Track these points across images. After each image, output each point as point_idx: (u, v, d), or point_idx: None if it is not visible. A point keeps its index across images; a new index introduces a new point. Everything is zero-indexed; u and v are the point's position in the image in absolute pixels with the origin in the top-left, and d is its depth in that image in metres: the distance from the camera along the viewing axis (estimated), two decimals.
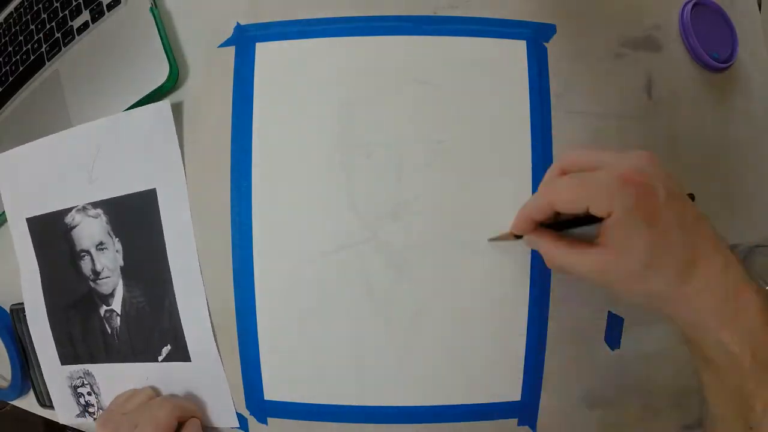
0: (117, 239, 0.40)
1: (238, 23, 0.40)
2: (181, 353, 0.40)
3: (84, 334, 0.43)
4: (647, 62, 0.41)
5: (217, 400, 0.40)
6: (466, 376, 0.38)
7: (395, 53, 0.39)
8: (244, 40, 0.39)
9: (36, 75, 0.46)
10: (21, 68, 0.47)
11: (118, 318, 0.41)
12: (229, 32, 0.40)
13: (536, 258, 0.38)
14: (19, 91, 0.47)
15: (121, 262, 0.41)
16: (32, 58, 0.46)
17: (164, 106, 0.39)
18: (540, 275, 0.38)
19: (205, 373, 0.40)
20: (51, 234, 0.43)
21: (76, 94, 0.43)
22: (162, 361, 0.41)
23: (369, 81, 0.38)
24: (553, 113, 0.38)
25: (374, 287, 0.38)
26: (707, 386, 0.31)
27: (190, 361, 0.40)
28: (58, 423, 0.47)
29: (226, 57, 0.40)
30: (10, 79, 0.47)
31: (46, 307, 0.44)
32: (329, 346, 0.38)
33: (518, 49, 0.39)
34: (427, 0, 0.39)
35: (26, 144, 0.43)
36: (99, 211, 0.41)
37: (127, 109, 0.40)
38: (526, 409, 0.39)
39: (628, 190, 0.28)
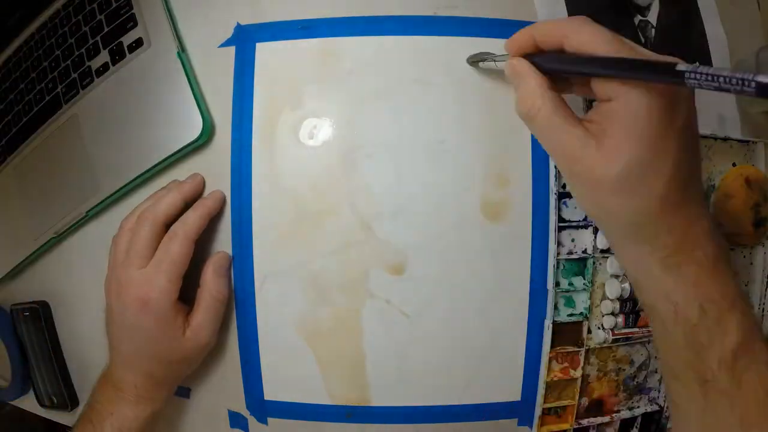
0: None
1: (238, 23, 0.40)
2: None
3: None
4: None
5: None
6: (466, 376, 0.38)
7: (395, 53, 0.39)
8: (244, 40, 0.39)
9: (52, 118, 0.42)
10: (35, 108, 0.43)
11: (653, 30, 0.40)
12: (229, 32, 0.40)
13: (536, 258, 0.38)
14: (35, 134, 0.43)
15: None
16: (47, 99, 0.43)
17: None
18: (540, 275, 0.38)
19: None
20: None
21: (99, 144, 0.41)
22: None
23: (369, 81, 0.38)
24: None
25: (374, 287, 0.38)
26: (655, 338, 0.29)
27: None
28: (58, 423, 0.47)
29: (226, 57, 0.40)
30: (23, 119, 0.44)
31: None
32: (330, 345, 0.38)
33: None
34: (427, 0, 0.39)
35: None
36: None
37: (158, 165, 0.38)
38: (526, 409, 0.39)
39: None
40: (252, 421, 0.40)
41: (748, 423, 0.26)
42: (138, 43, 0.40)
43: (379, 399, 0.38)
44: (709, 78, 0.21)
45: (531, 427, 0.39)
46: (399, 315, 0.38)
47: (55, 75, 0.43)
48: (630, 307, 0.39)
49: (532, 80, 0.28)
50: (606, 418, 0.40)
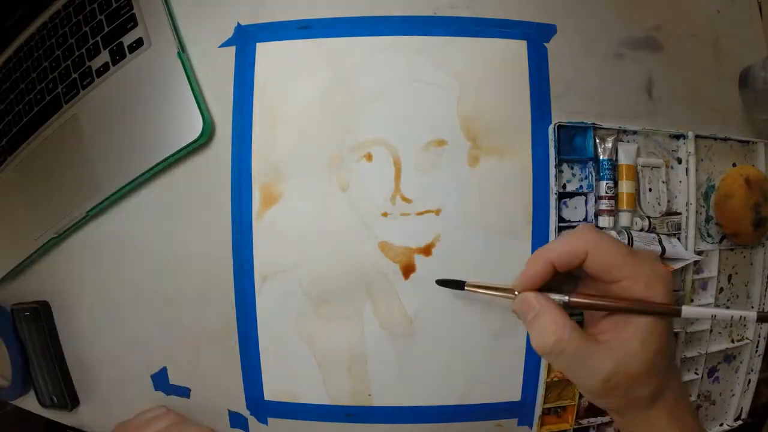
0: None
1: (238, 23, 0.40)
2: None
3: None
4: (647, 62, 0.41)
5: None
6: (466, 376, 0.38)
7: (395, 53, 0.39)
8: (244, 40, 0.39)
9: (52, 118, 0.42)
10: (36, 108, 0.43)
11: None
12: (229, 32, 0.40)
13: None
14: (35, 134, 0.43)
15: None
16: (47, 99, 0.42)
17: None
18: None
19: None
20: None
21: (99, 144, 0.40)
22: None
23: (369, 81, 0.38)
24: (553, 113, 0.38)
25: (375, 287, 0.38)
26: None
27: None
28: (58, 423, 0.47)
29: (226, 57, 0.40)
30: (24, 119, 0.43)
31: None
32: (330, 346, 0.38)
33: (518, 49, 0.39)
34: (427, 0, 0.39)
35: None
36: None
37: (158, 165, 0.38)
38: (526, 409, 0.39)
39: (668, 283, 0.30)
40: (252, 421, 0.40)
41: None
42: (138, 43, 0.40)
43: (379, 399, 0.38)
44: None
45: (531, 427, 0.39)
46: (400, 315, 0.38)
47: (56, 75, 0.43)
48: None
49: (554, 312, 0.30)
50: (606, 419, 0.40)
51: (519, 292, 0.32)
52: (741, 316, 0.30)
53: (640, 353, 0.30)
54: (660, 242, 0.38)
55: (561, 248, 0.31)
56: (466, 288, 0.34)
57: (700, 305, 0.41)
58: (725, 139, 0.42)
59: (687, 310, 0.30)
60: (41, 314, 0.44)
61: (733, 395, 0.44)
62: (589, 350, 0.30)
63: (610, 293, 0.31)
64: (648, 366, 0.30)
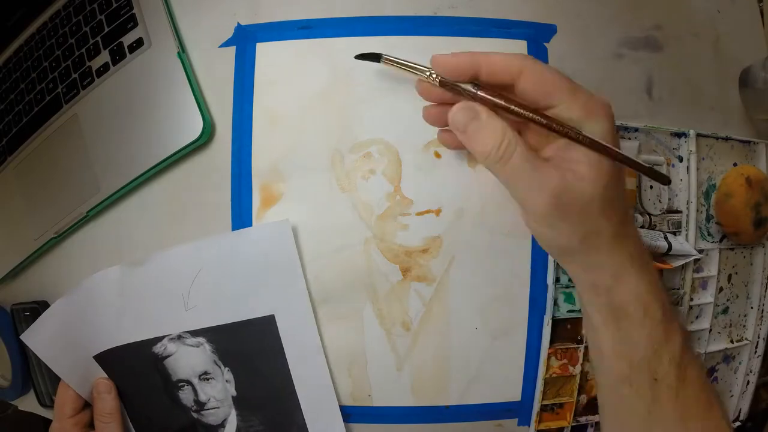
0: (227, 368, 0.36)
1: (238, 23, 0.40)
2: None
3: None
4: (647, 62, 0.41)
5: None
6: (466, 376, 0.38)
7: (395, 53, 0.38)
8: (244, 40, 0.39)
9: (52, 118, 0.42)
10: (36, 108, 0.43)
11: None
12: (229, 32, 0.40)
13: (536, 258, 0.38)
14: (35, 134, 0.43)
15: (234, 392, 0.37)
16: (47, 99, 0.42)
17: (284, 226, 0.35)
18: (540, 271, 0.38)
19: None
20: (134, 364, 0.37)
21: (99, 144, 0.40)
22: None
23: (369, 81, 0.38)
24: None
25: (375, 287, 0.38)
26: (611, 344, 0.30)
27: None
28: None
29: (226, 57, 0.40)
30: (24, 119, 0.43)
31: None
32: (330, 346, 0.38)
33: (518, 49, 0.39)
34: (427, 0, 0.39)
35: (66, 297, 0.37)
36: (201, 339, 0.36)
37: (158, 165, 0.38)
38: (525, 409, 0.39)
39: (609, 115, 0.29)
40: None
41: (688, 416, 0.29)
42: (138, 43, 0.40)
43: (379, 399, 0.38)
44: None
45: (529, 424, 0.39)
46: (399, 315, 0.38)
47: (56, 75, 0.42)
48: None
49: (498, 120, 0.28)
50: None
51: (436, 75, 0.30)
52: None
53: (591, 178, 0.28)
54: (666, 239, 0.38)
55: (495, 55, 0.29)
56: (382, 60, 0.32)
57: (700, 303, 0.41)
58: (726, 139, 0.42)
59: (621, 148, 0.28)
60: (41, 314, 0.44)
61: (732, 396, 0.44)
62: (536, 163, 0.28)
63: None
64: (603, 193, 0.28)
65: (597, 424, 0.40)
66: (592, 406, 0.40)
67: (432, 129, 0.38)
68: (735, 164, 0.43)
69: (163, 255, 0.36)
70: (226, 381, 0.36)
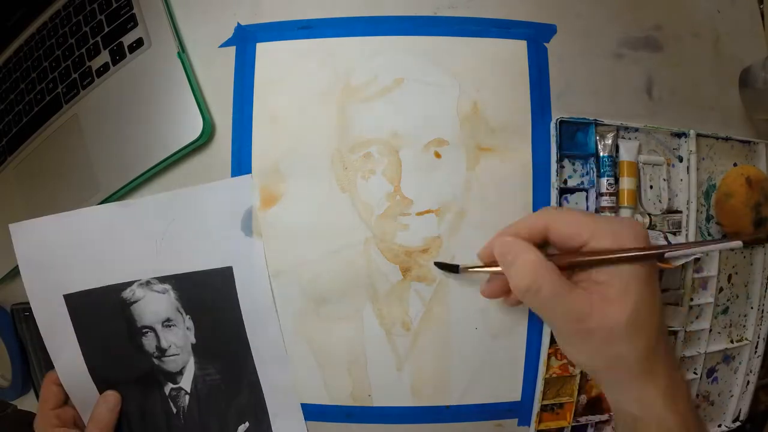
0: (188, 316, 0.38)
1: (238, 23, 0.40)
2: (262, 428, 0.39)
3: (143, 416, 0.40)
4: (647, 62, 0.41)
5: None
6: (466, 376, 0.38)
7: (395, 53, 0.39)
8: (244, 40, 0.39)
9: (53, 118, 0.42)
10: (36, 108, 0.43)
11: (187, 397, 0.39)
12: (229, 32, 0.40)
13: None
14: (35, 134, 0.43)
15: (193, 340, 0.39)
16: (47, 99, 0.42)
17: (245, 181, 0.37)
18: None
19: None
20: (100, 310, 0.39)
21: (99, 144, 0.40)
22: None
23: (369, 81, 0.38)
24: (553, 113, 0.38)
25: (375, 287, 0.38)
26: None
27: None
28: None
29: (226, 57, 0.40)
30: (24, 119, 0.43)
31: (97, 388, 0.40)
32: (330, 346, 0.38)
33: (518, 49, 0.39)
34: (427, 0, 0.39)
35: (64, 214, 0.39)
36: (167, 286, 0.38)
37: (158, 165, 0.38)
38: (526, 409, 0.39)
39: (638, 231, 0.30)
40: None
41: None
42: (138, 43, 0.40)
43: (379, 399, 0.38)
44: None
45: (529, 424, 0.39)
46: (399, 315, 0.38)
47: (56, 75, 0.43)
48: None
49: (531, 254, 0.30)
50: (604, 416, 0.40)
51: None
52: (728, 248, 0.30)
53: (619, 300, 0.28)
54: (666, 239, 0.38)
55: (519, 225, 0.32)
56: (460, 270, 0.36)
57: (700, 303, 0.41)
58: (726, 139, 0.42)
59: (669, 253, 0.29)
60: None
61: (732, 396, 0.44)
62: (565, 289, 0.29)
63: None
64: (629, 317, 0.28)
65: (597, 424, 0.40)
66: (592, 406, 0.40)
67: (432, 129, 0.38)
68: (735, 164, 0.43)
69: (147, 199, 0.39)
70: (187, 328, 0.38)
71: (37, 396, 0.47)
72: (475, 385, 0.39)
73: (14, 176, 0.45)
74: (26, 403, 0.48)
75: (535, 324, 0.38)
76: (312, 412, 0.39)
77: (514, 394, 0.39)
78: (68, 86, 0.42)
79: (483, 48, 0.38)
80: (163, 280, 0.38)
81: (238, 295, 0.37)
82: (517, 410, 0.39)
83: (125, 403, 0.40)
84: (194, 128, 0.38)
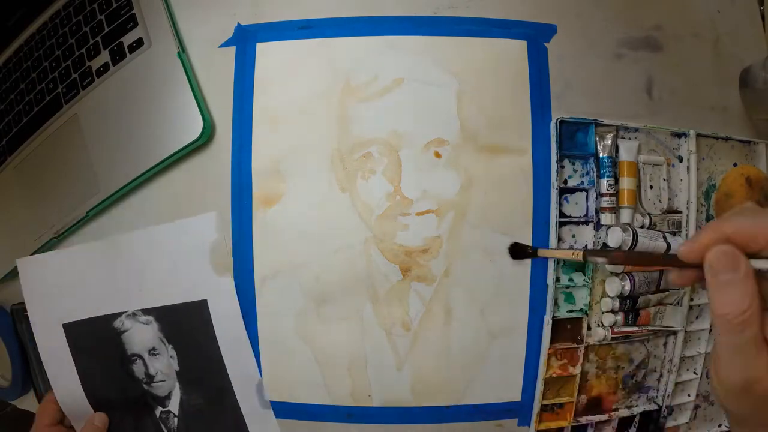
0: (170, 345, 0.40)
1: (238, 23, 0.40)
2: None
3: None
4: (647, 62, 0.41)
5: None
6: (466, 376, 0.38)
7: (395, 53, 0.39)
8: (244, 40, 0.39)
9: (53, 118, 0.42)
10: (36, 108, 0.43)
11: (176, 419, 0.41)
12: (229, 32, 0.40)
13: (536, 258, 0.38)
14: (35, 133, 0.43)
15: (177, 367, 0.40)
16: (47, 99, 0.43)
17: (209, 219, 0.38)
18: (540, 275, 0.38)
19: None
20: (95, 338, 0.41)
21: (99, 144, 0.41)
22: None
23: (369, 81, 0.38)
24: (553, 113, 0.38)
25: (375, 287, 0.38)
26: None
27: None
28: None
29: (226, 57, 0.40)
30: (24, 119, 0.44)
31: (93, 410, 0.42)
32: (330, 346, 0.38)
33: (518, 49, 0.39)
34: (427, 0, 0.39)
35: (64, 250, 0.41)
36: (150, 317, 0.40)
37: (158, 165, 0.39)
38: (526, 409, 0.39)
39: None
40: None
41: None
42: (138, 43, 0.40)
43: (379, 399, 0.38)
44: None
45: (529, 424, 0.39)
46: (399, 315, 0.38)
47: (56, 75, 0.43)
48: (630, 305, 0.39)
49: (751, 284, 0.24)
50: (604, 417, 0.40)
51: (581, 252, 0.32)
52: None
53: None
54: (665, 239, 0.38)
55: (742, 223, 0.24)
56: (538, 254, 0.36)
57: (700, 303, 0.41)
58: (726, 139, 0.42)
59: None
60: None
61: None
62: (761, 345, 0.23)
63: None
64: None
65: (597, 424, 0.40)
66: (592, 406, 0.40)
67: (432, 129, 0.38)
68: (735, 164, 0.43)
69: (127, 236, 0.40)
70: (170, 357, 0.40)
71: (37, 396, 0.47)
72: (475, 385, 0.39)
73: (14, 176, 0.45)
74: (26, 403, 0.48)
75: (535, 324, 0.38)
76: (312, 413, 0.39)
77: (514, 394, 0.39)
78: (68, 86, 0.42)
79: (483, 48, 0.38)
80: (146, 312, 0.40)
81: (214, 327, 0.39)
82: (517, 410, 0.39)
83: (121, 424, 0.42)
84: (194, 128, 0.38)
